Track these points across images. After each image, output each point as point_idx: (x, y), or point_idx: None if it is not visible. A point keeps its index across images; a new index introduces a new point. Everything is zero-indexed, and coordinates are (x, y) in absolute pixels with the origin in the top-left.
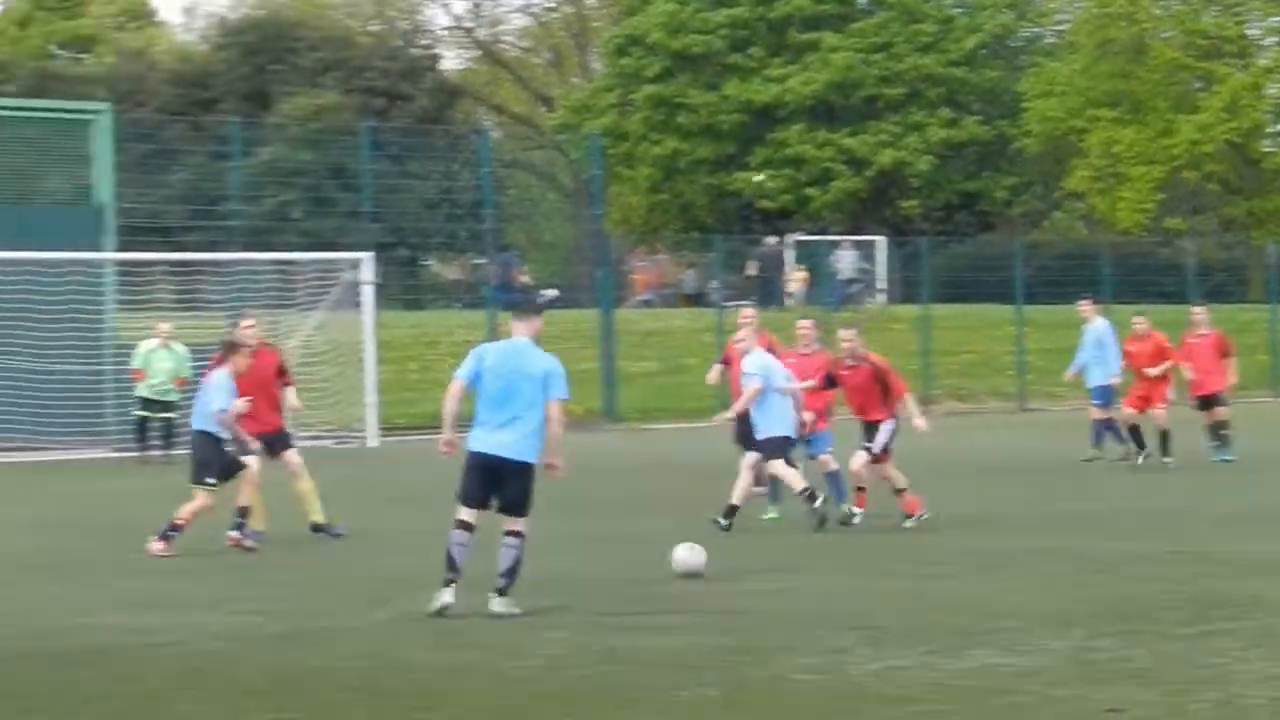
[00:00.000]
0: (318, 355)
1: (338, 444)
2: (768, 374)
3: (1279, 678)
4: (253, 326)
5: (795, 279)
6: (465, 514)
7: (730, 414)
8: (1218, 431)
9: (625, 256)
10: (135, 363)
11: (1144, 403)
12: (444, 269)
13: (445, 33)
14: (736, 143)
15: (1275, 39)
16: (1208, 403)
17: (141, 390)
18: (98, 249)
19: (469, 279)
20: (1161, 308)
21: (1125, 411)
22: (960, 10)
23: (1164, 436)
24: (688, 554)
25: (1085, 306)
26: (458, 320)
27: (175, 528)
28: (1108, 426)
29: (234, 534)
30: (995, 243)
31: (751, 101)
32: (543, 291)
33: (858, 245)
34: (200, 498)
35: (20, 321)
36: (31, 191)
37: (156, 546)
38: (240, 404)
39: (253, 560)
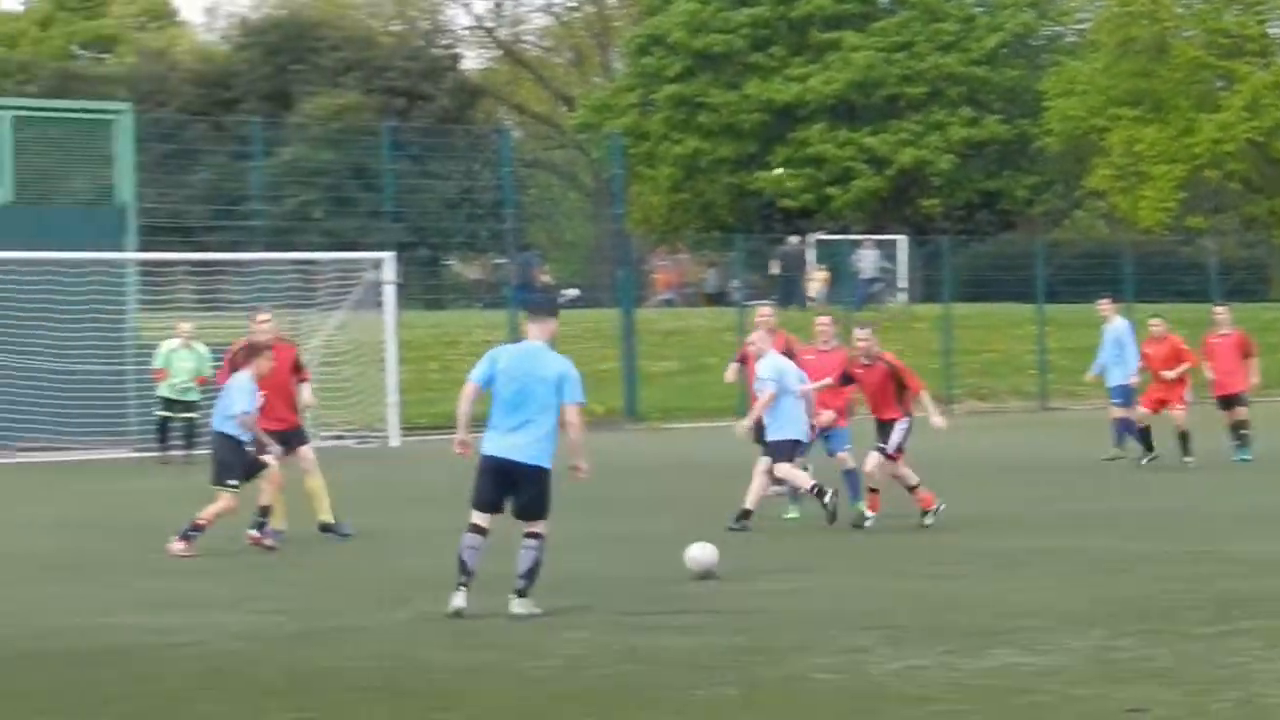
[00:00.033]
0: (339, 355)
1: (359, 444)
2: (781, 378)
3: None
4: (268, 321)
5: (816, 279)
6: (478, 518)
7: (747, 422)
8: (1238, 431)
9: (646, 256)
10: (156, 362)
11: (1159, 404)
12: (465, 269)
13: (466, 32)
14: (757, 142)
15: None
16: (1228, 402)
17: (163, 390)
18: (119, 249)
19: (490, 279)
20: (1183, 307)
21: (1139, 412)
22: (981, 9)
23: (1184, 437)
24: (699, 553)
25: (1104, 305)
26: (478, 320)
27: (196, 528)
28: (1128, 426)
29: (254, 533)
30: (1016, 242)
31: (773, 101)
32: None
33: (879, 244)
34: (223, 499)
35: (42, 321)
36: (53, 191)
37: (177, 547)
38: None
39: (273, 560)
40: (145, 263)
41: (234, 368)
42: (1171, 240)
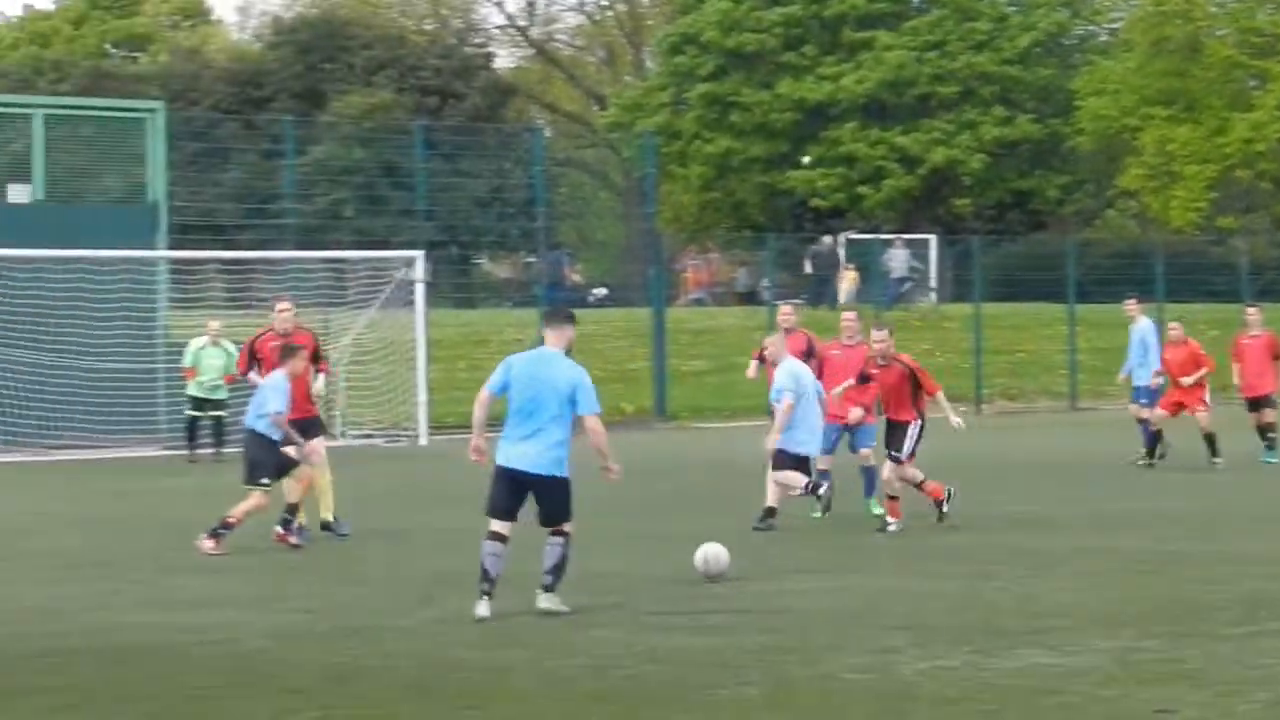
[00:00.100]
0: (369, 353)
1: (388, 442)
2: (799, 385)
3: None
4: (287, 309)
5: (845, 278)
6: (496, 525)
7: (772, 438)
8: (1265, 434)
9: (677, 255)
10: (186, 361)
11: (1177, 408)
12: (495, 267)
13: (498, 31)
14: (789, 141)
15: None
16: (1257, 404)
17: (191, 388)
18: (151, 247)
19: (520, 277)
20: (1214, 307)
21: (1157, 413)
22: (1014, 9)
23: (1210, 439)
24: (704, 558)
25: (1131, 306)
26: (508, 319)
27: (226, 526)
28: (1144, 425)
29: (280, 530)
30: (1047, 241)
31: (805, 100)
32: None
33: (910, 244)
34: (254, 498)
35: (73, 319)
36: (85, 190)
37: (207, 544)
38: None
39: (300, 558)
40: (176, 261)
41: (251, 358)
42: (1202, 240)
